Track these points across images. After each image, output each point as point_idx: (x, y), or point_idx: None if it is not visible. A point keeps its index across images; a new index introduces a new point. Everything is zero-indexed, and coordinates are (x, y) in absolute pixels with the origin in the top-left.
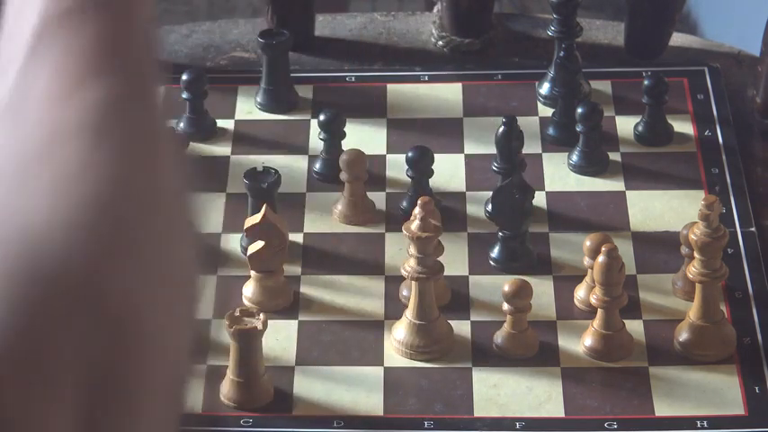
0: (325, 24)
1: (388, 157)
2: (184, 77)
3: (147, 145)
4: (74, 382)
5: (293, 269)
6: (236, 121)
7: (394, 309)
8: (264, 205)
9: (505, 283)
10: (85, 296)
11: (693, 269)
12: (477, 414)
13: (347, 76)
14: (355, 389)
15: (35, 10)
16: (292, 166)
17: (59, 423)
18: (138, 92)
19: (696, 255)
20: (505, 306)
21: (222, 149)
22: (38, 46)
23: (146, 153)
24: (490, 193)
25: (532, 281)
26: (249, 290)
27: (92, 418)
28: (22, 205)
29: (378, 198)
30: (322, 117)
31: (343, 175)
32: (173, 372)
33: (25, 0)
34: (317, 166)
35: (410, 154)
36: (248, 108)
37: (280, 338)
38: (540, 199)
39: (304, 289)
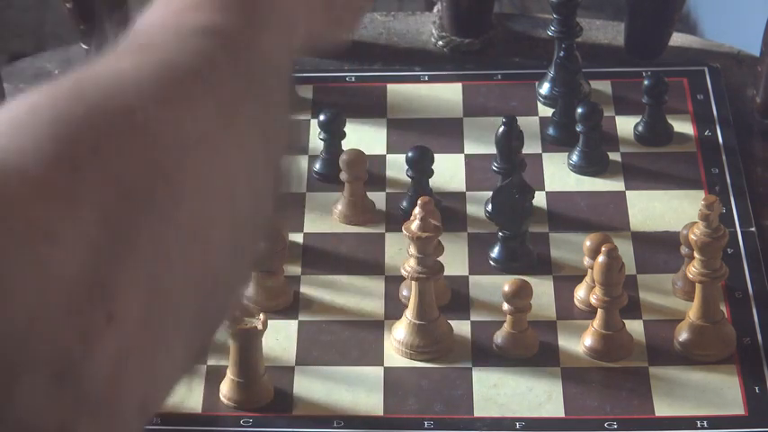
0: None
1: (388, 157)
2: None
3: (230, 63)
4: (95, 199)
5: (293, 269)
6: None
7: (394, 309)
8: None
9: (505, 283)
10: (122, 123)
11: (693, 269)
12: (477, 414)
13: (347, 76)
14: (355, 389)
15: None
16: None
17: (74, 237)
18: (242, 30)
19: (696, 255)
20: (505, 306)
21: None
22: None
23: (227, 63)
24: (490, 193)
25: (532, 281)
26: (249, 290)
27: (110, 235)
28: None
29: (378, 198)
30: (322, 117)
31: (343, 175)
32: (218, 234)
33: None
34: (317, 166)
35: (410, 154)
36: None
37: (280, 338)
38: (540, 199)
39: (304, 289)
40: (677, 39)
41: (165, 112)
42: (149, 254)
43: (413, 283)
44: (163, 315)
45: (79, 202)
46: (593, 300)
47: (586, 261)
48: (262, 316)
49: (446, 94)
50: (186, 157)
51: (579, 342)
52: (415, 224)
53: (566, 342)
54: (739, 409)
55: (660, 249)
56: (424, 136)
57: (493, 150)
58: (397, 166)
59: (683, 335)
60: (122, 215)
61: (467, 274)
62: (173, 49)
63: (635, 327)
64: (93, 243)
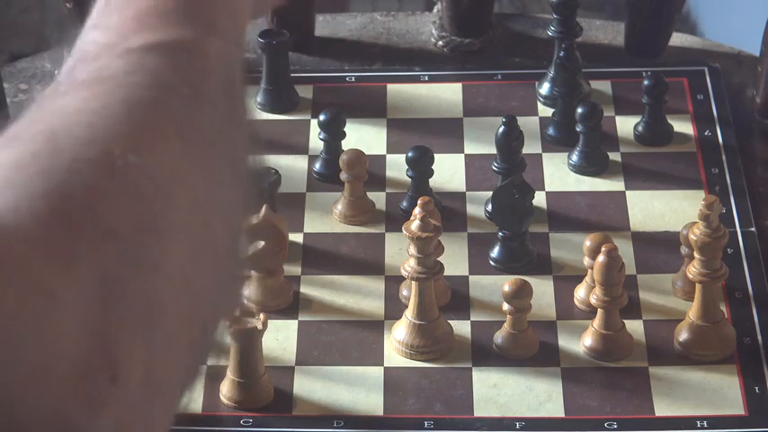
0: (325, 24)
1: (388, 157)
2: None
3: (187, 78)
4: (94, 257)
5: (293, 269)
6: None
7: (394, 309)
8: (264, 205)
9: (505, 283)
10: (104, 171)
11: (693, 269)
12: (477, 414)
13: (347, 76)
14: (355, 389)
15: None
16: (292, 166)
17: (75, 297)
18: (192, 40)
19: (696, 255)
20: (505, 306)
21: None
22: (106, 5)
23: (185, 82)
24: (490, 193)
25: (532, 281)
26: (249, 290)
27: (109, 294)
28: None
29: (378, 198)
30: (322, 117)
31: (343, 175)
32: (202, 273)
33: None
34: (317, 166)
35: (410, 154)
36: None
37: (280, 338)
38: (540, 199)
39: (304, 289)
40: (677, 39)
41: (140, 158)
42: (145, 309)
43: (413, 283)
44: (161, 369)
45: (78, 262)
46: (593, 300)
47: (586, 261)
48: (262, 316)
49: (446, 94)
50: (168, 202)
51: (579, 342)
52: (415, 224)
53: (566, 342)
54: (739, 409)
55: (660, 249)
56: (424, 136)
57: (493, 150)
58: (397, 166)
59: (683, 335)
60: (119, 273)
61: (467, 274)
62: (130, 80)
63: (635, 327)
64: (94, 303)
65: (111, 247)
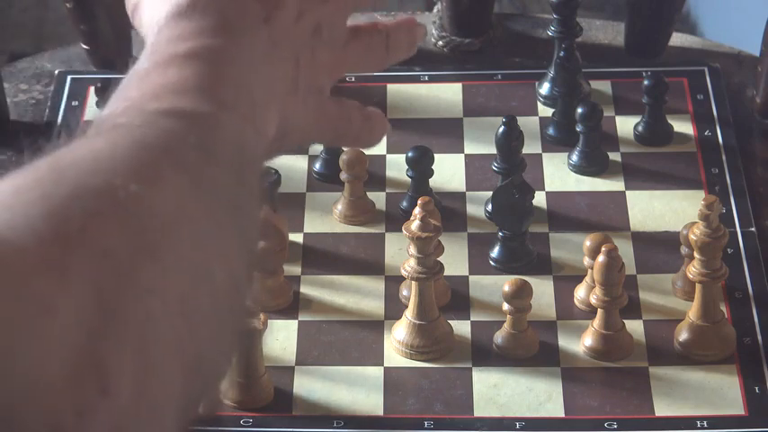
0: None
1: (388, 157)
2: None
3: (196, 141)
4: (88, 274)
5: (293, 269)
6: None
7: (394, 309)
8: (264, 205)
9: (505, 283)
10: (104, 198)
11: (693, 269)
12: (477, 414)
13: (347, 76)
14: (355, 389)
15: (141, 60)
16: (292, 166)
17: (68, 309)
18: (205, 112)
19: (696, 255)
20: (505, 306)
21: None
22: (129, 82)
23: (193, 143)
24: (490, 193)
25: (532, 281)
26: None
27: (102, 310)
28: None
29: (378, 198)
30: None
31: (343, 175)
32: (199, 304)
33: (140, 55)
34: (317, 166)
35: (410, 154)
36: None
37: (280, 338)
38: (540, 199)
39: (304, 289)
40: (677, 39)
41: (143, 189)
42: (139, 329)
43: (413, 283)
44: (154, 390)
45: (73, 278)
46: (593, 300)
47: (586, 261)
48: (262, 316)
49: (446, 94)
50: (168, 235)
51: (579, 342)
52: (415, 224)
53: (566, 342)
54: (739, 409)
55: (660, 249)
56: (424, 136)
57: (493, 150)
58: (397, 166)
59: (683, 335)
60: (113, 291)
61: (467, 274)
62: (143, 130)
63: (635, 327)
64: (87, 318)
65: (107, 265)
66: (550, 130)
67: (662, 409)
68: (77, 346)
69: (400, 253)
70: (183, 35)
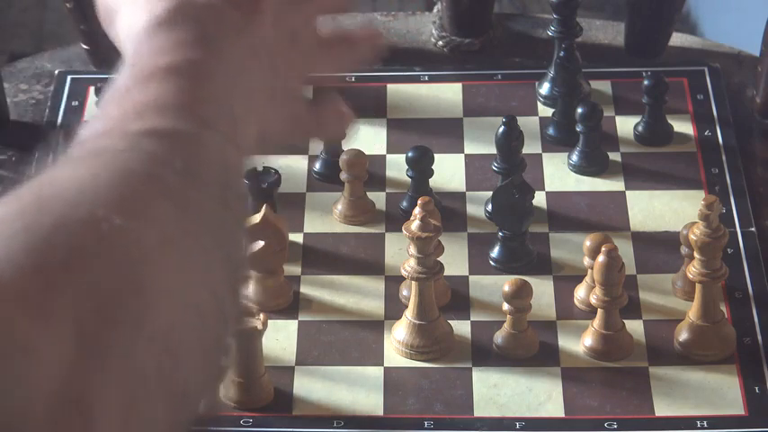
0: (325, 24)
1: (388, 157)
2: None
3: (180, 164)
4: (71, 313)
5: (293, 269)
6: None
7: (394, 309)
8: (264, 205)
9: (505, 283)
10: (87, 232)
11: (693, 269)
12: (477, 414)
13: (347, 76)
14: (355, 389)
15: (121, 76)
16: (292, 166)
17: (52, 351)
18: (187, 132)
19: (696, 255)
20: (505, 306)
21: None
22: (109, 100)
23: (177, 167)
24: (490, 193)
25: (532, 281)
26: (249, 290)
27: (85, 350)
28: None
29: (378, 198)
30: None
31: (344, 175)
32: (184, 336)
33: (120, 70)
34: (317, 166)
35: (410, 154)
36: None
37: (280, 338)
38: (540, 199)
39: (304, 289)
40: (677, 39)
41: (127, 221)
42: (123, 366)
43: (413, 283)
44: (139, 424)
45: (55, 317)
46: (593, 300)
47: (586, 261)
48: (262, 316)
49: (446, 94)
50: (152, 265)
51: (579, 342)
52: (415, 224)
53: (566, 342)
54: (739, 409)
55: (660, 249)
56: (424, 136)
57: (493, 150)
58: (397, 166)
59: (683, 335)
60: (96, 329)
61: (467, 274)
62: (126, 155)
63: (635, 327)
64: (69, 358)
65: (90, 302)
66: (550, 130)
67: (662, 409)
68: (60, 386)
69: (400, 253)
70: (164, 48)
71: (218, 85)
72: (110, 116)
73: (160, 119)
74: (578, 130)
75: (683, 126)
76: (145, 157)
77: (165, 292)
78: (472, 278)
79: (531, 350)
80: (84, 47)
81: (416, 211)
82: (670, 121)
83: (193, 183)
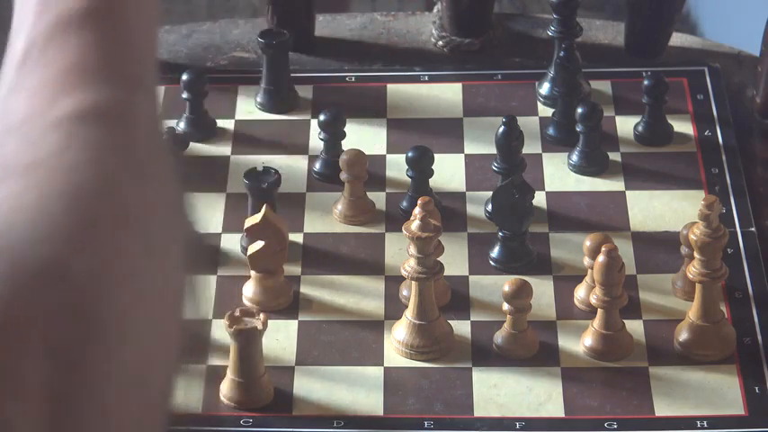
0: (325, 24)
1: (388, 157)
2: (184, 77)
3: (127, 151)
4: (39, 377)
5: (293, 269)
6: (236, 121)
7: (394, 309)
8: (264, 205)
9: (505, 283)
10: (47, 281)
11: (693, 269)
12: (477, 414)
13: (347, 76)
14: (355, 389)
15: (25, 29)
16: (292, 166)
17: (26, 421)
18: (124, 101)
19: (696, 255)
20: (505, 306)
21: (222, 149)
22: (24, 63)
23: (126, 158)
24: (490, 193)
25: (532, 281)
26: (249, 290)
27: (58, 412)
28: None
29: (378, 198)
30: (322, 117)
31: (344, 175)
32: (153, 367)
33: (19, 20)
34: (317, 166)
35: (410, 154)
36: (248, 108)
37: (280, 338)
38: (540, 199)
39: (304, 289)
40: (677, 39)
41: (86, 260)
42: (96, 418)
43: (413, 283)
44: None
45: (24, 385)
46: (593, 300)
47: (586, 261)
48: (262, 316)
49: (446, 94)
50: (117, 303)
51: (579, 342)
52: (415, 224)
53: (566, 342)
54: (739, 409)
55: (660, 249)
56: (424, 136)
57: (493, 150)
58: (397, 166)
59: (683, 335)
60: (67, 388)
61: (467, 274)
62: (64, 162)
63: (635, 327)
64: (43, 422)
65: (58, 363)
66: (550, 130)
67: (662, 409)
68: None
69: (400, 253)
70: None
71: (139, 26)
72: (31, 87)
73: (89, 88)
74: (578, 130)
75: (683, 126)
76: (88, 159)
77: (130, 329)
78: (472, 278)
79: (531, 350)
80: None
81: (416, 211)
82: (670, 121)
83: (142, 180)
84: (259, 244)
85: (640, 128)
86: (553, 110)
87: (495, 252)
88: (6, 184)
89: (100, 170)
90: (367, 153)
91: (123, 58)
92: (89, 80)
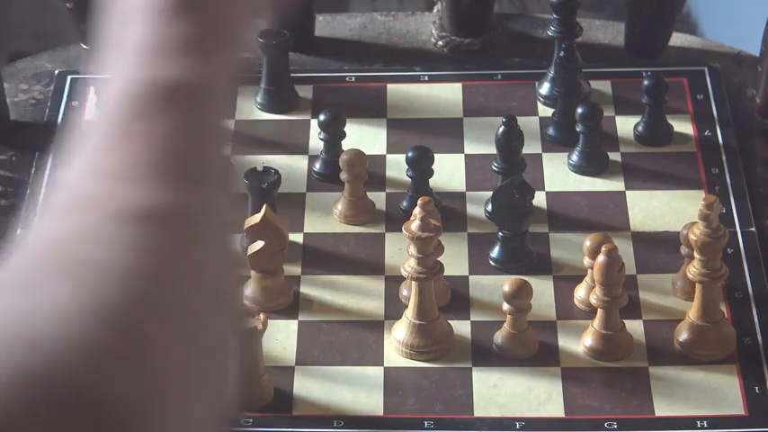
0: (325, 24)
1: (388, 157)
2: None
3: (181, 257)
4: None
5: (293, 269)
6: (236, 121)
7: (394, 309)
8: (264, 205)
9: (505, 283)
10: (83, 404)
11: (693, 269)
12: (477, 414)
13: (347, 76)
14: (355, 389)
15: (119, 83)
16: (292, 166)
17: None
18: (189, 204)
19: (696, 255)
20: (505, 306)
21: None
22: (107, 138)
23: (178, 265)
24: (490, 193)
25: (532, 281)
26: (249, 290)
27: None
28: (34, 306)
29: (378, 198)
30: (322, 117)
31: (344, 175)
32: None
33: (116, 53)
34: (317, 166)
35: (410, 154)
36: (248, 108)
37: (280, 338)
38: (540, 199)
39: (304, 289)
40: (677, 39)
41: (113, 385)
42: None
43: (413, 283)
44: None
45: None
46: (593, 300)
47: (586, 261)
48: (262, 316)
49: (446, 94)
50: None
51: (579, 342)
52: (415, 224)
53: (566, 342)
54: (739, 409)
55: (660, 249)
56: (424, 136)
57: (493, 150)
58: (397, 166)
59: (683, 335)
60: None
61: (467, 274)
62: (117, 273)
63: (635, 327)
64: None
65: None
66: (550, 130)
67: (662, 409)
68: None
69: (400, 253)
70: (165, 46)
71: (221, 114)
72: (96, 164)
73: (154, 189)
74: (578, 130)
75: (683, 126)
76: (140, 266)
77: (185, 399)
78: (472, 278)
79: (531, 350)
80: (84, 47)
81: (416, 211)
82: (670, 121)
83: (194, 281)
84: (259, 244)
85: (640, 128)
86: (553, 110)
87: (495, 252)
88: (54, 281)
89: (150, 281)
90: (367, 153)
91: (200, 154)
92: (151, 176)
